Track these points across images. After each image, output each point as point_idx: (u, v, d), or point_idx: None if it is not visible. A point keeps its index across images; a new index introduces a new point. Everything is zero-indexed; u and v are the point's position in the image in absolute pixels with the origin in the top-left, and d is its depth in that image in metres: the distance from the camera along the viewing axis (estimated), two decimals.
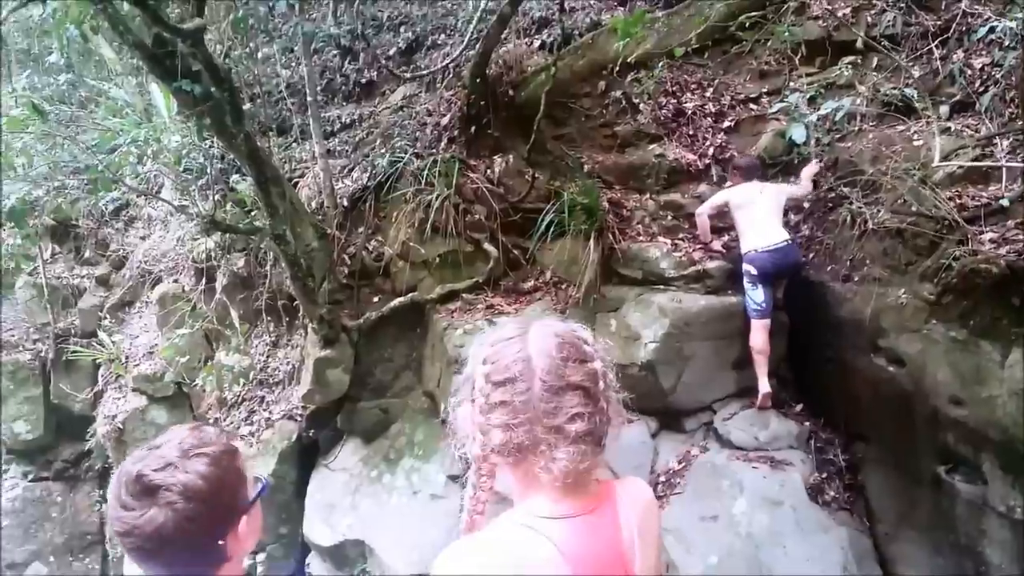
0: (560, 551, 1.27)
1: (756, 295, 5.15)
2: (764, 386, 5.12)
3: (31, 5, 4.94)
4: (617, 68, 6.48)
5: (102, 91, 8.08)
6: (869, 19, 5.92)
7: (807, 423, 5.16)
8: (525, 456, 1.33)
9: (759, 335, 5.13)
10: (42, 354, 7.50)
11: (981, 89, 5.22)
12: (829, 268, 5.16)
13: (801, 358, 5.43)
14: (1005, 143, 4.90)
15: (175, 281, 6.88)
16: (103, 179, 6.69)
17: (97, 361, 7.17)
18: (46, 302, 7.61)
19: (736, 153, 6.08)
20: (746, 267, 5.19)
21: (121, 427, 6.49)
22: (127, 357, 6.90)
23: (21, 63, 9.60)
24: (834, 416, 5.18)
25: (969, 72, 5.35)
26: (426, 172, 5.94)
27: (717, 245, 5.64)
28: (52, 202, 7.71)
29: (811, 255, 5.33)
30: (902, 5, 5.87)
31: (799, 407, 5.29)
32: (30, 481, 7.55)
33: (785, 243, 5.17)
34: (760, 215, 5.26)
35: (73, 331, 7.54)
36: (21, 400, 7.40)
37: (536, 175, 6.14)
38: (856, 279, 4.95)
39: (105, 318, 7.49)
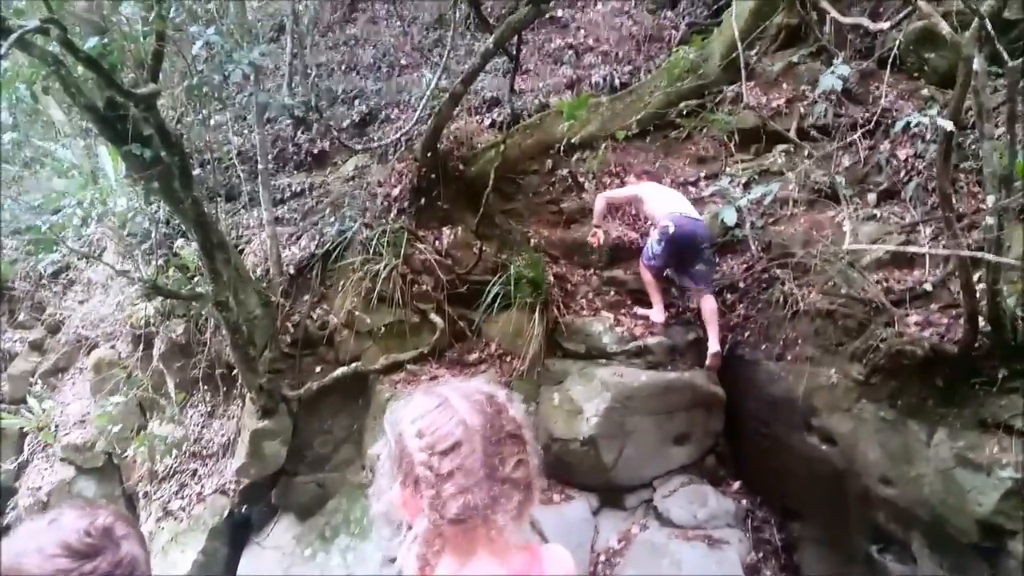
0: None
1: (655, 247, 5.55)
2: (659, 315, 5.60)
3: None
4: (563, 148, 6.70)
5: (48, 151, 8.00)
6: (802, 110, 6.25)
7: (744, 501, 5.20)
8: (483, 516, 1.32)
9: (644, 277, 5.68)
10: None
11: (906, 179, 5.51)
12: (763, 347, 5.29)
13: (738, 435, 5.51)
14: (928, 230, 5.15)
15: (112, 347, 6.70)
16: (45, 240, 6.58)
17: (24, 429, 6.88)
18: None
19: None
20: (664, 224, 5.46)
21: (45, 500, 6.21)
22: (57, 425, 6.64)
23: None
24: (770, 494, 5.24)
25: (895, 162, 5.65)
26: (375, 242, 5.98)
27: (600, 236, 5.95)
28: None
29: (747, 334, 5.47)
30: (832, 98, 6.21)
31: (736, 485, 5.34)
32: None
33: (701, 220, 5.63)
34: (679, 197, 5.73)
35: (1, 397, 7.25)
36: None
37: (484, 247, 6.22)
38: (789, 358, 5.09)
39: (36, 384, 7.23)
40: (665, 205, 5.61)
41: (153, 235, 6.48)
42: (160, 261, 6.32)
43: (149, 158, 4.96)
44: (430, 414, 1.37)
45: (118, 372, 6.43)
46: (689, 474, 5.25)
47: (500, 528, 1.33)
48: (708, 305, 5.46)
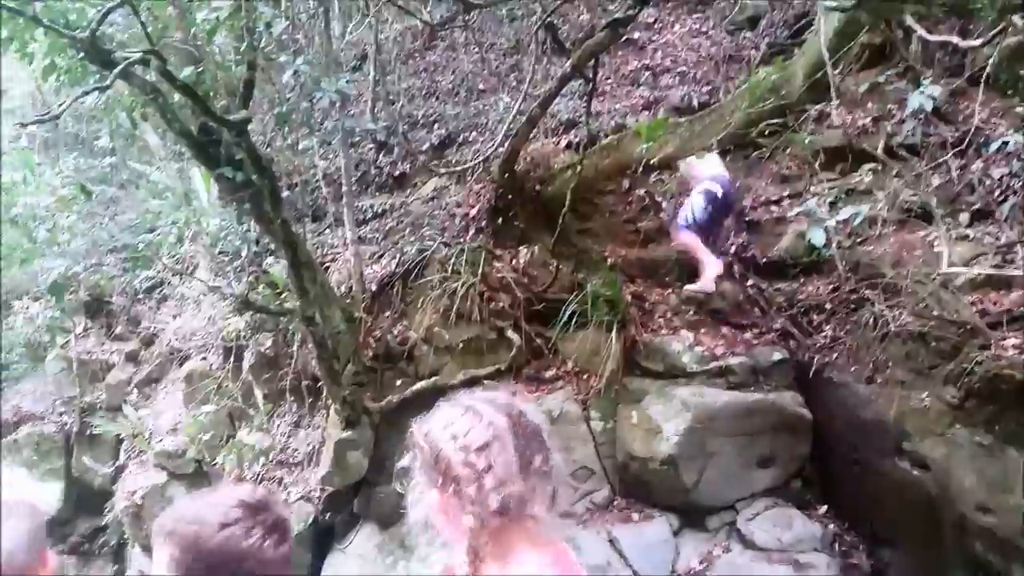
0: None
1: (699, 212, 5.70)
2: (714, 268, 5.77)
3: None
4: (641, 168, 6.70)
5: (143, 174, 8.44)
6: (889, 128, 6.12)
7: (832, 526, 5.07)
8: (522, 508, 1.42)
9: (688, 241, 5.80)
10: (67, 427, 7.55)
11: (1000, 198, 5.34)
12: (853, 369, 5.17)
13: (825, 459, 5.38)
14: None
15: (204, 359, 6.98)
16: (143, 258, 6.94)
17: (120, 436, 7.21)
18: (75, 376, 7.72)
19: (758, 251, 6.21)
20: (710, 187, 5.72)
21: (140, 503, 6.45)
22: (151, 433, 6.93)
23: (68, 146, 10.10)
24: (859, 519, 5.09)
25: (988, 181, 5.49)
26: (453, 260, 6.10)
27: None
28: (89, 278, 7.94)
29: (835, 356, 5.36)
30: (921, 116, 6.07)
31: (824, 509, 5.21)
32: None
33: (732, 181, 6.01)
34: (715, 155, 6.11)
35: (99, 405, 7.60)
36: (44, 472, 7.42)
37: (560, 266, 6.27)
38: (879, 381, 4.97)
39: (131, 393, 7.57)
40: (707, 165, 5.89)
41: (244, 254, 6.76)
42: (250, 278, 6.58)
43: (240, 181, 5.17)
44: (460, 420, 1.48)
45: (209, 383, 6.69)
46: (774, 497, 5.15)
47: (538, 519, 1.44)
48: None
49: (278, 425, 6.37)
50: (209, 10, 5.16)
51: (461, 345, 6.00)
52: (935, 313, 4.86)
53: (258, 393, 6.42)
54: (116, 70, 4.25)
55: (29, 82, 8.98)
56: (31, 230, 6.93)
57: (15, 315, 8.28)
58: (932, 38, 5.36)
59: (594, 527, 5.01)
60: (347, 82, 6.21)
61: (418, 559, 5.32)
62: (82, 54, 4.55)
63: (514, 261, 6.32)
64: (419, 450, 1.51)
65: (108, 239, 8.04)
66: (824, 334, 5.52)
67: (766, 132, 6.55)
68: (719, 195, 5.76)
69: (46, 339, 7.97)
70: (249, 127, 5.20)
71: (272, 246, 6.42)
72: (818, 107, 6.26)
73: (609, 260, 6.49)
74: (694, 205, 5.79)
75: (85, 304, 8.40)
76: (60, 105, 4.70)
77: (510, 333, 6.06)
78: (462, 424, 1.47)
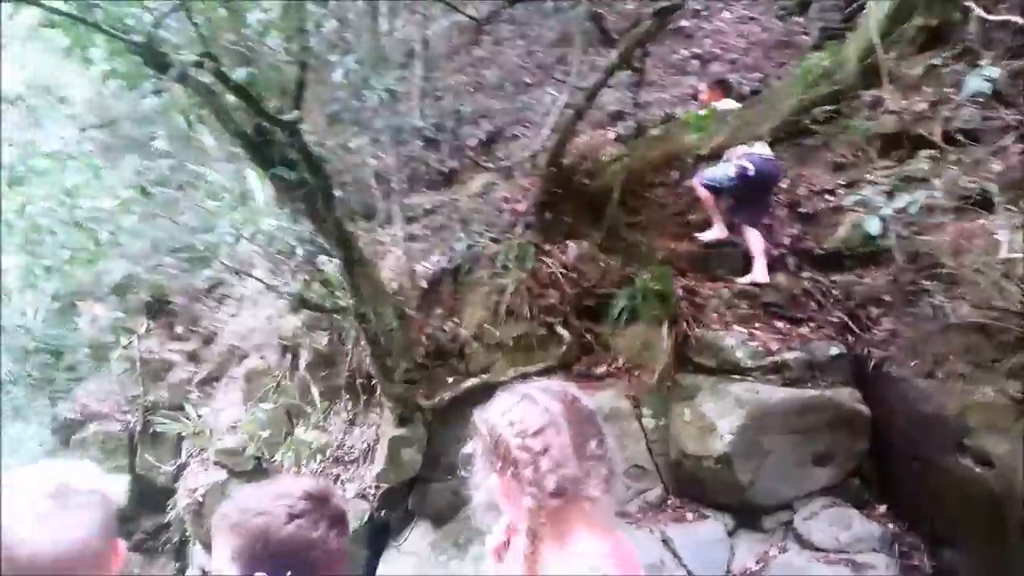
0: None
1: (726, 179, 5.83)
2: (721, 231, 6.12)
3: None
4: (691, 160, 6.62)
5: (201, 175, 8.63)
6: (946, 113, 5.92)
7: (891, 525, 4.96)
8: (578, 489, 1.48)
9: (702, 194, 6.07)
10: (131, 425, 7.79)
11: None
12: (912, 363, 5.04)
13: (885, 456, 5.26)
14: None
15: (261, 358, 7.13)
16: (201, 258, 7.11)
17: (182, 434, 7.42)
18: (138, 375, 7.97)
19: (813, 242, 6.09)
20: (745, 164, 5.77)
21: (201, 500, 6.62)
22: (211, 431, 7.12)
23: (127, 148, 10.37)
24: (920, 519, 4.98)
25: None
26: (502, 256, 6.12)
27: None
28: (150, 279, 8.17)
29: (893, 349, 5.23)
30: (980, 100, 5.85)
31: (883, 508, 5.11)
32: None
33: (774, 159, 6.02)
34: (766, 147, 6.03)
35: (161, 404, 7.82)
36: (109, 470, 7.65)
37: (610, 261, 6.24)
38: (940, 375, 4.84)
39: (192, 392, 7.78)
40: (753, 150, 5.89)
41: (299, 252, 6.87)
42: (305, 276, 6.70)
43: (294, 180, 5.25)
44: (517, 407, 1.55)
45: (267, 381, 6.85)
46: (832, 496, 5.07)
47: (594, 500, 1.49)
48: (754, 236, 5.91)
49: (334, 422, 6.49)
50: (260, 10, 5.23)
51: (511, 342, 6.02)
52: (997, 304, 4.71)
53: (314, 391, 6.55)
54: (173, 72, 4.35)
55: (88, 87, 9.24)
56: (95, 232, 7.15)
57: (79, 316, 8.57)
58: (992, 17, 5.15)
59: (647, 526, 5.00)
60: (397, 80, 6.25)
61: (472, 558, 5.40)
62: (139, 58, 4.65)
63: (563, 256, 6.30)
64: (479, 437, 1.59)
65: (168, 239, 8.24)
66: (882, 327, 5.40)
67: (819, 119, 6.39)
68: (750, 173, 5.79)
69: (110, 339, 8.23)
70: (301, 126, 5.28)
71: (325, 244, 6.51)
72: (872, 92, 6.07)
73: (659, 253, 6.44)
74: (726, 170, 5.91)
75: (147, 304, 8.65)
76: (119, 109, 4.82)
77: (560, 329, 6.06)
78: (518, 410, 1.54)
